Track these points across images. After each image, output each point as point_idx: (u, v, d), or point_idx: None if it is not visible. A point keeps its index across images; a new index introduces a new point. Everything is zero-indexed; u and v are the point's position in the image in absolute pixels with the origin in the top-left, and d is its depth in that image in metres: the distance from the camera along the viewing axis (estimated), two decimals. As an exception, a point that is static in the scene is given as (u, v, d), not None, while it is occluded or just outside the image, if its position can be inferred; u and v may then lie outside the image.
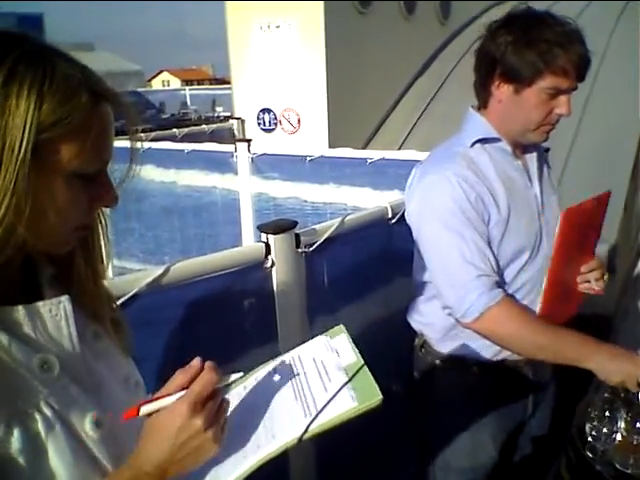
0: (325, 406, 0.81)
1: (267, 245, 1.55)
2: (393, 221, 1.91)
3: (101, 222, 0.84)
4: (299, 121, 5.99)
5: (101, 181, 0.77)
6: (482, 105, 1.61)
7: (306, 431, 0.79)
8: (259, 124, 6.19)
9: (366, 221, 1.86)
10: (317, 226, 1.70)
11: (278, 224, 1.59)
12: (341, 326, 0.98)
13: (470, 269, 1.48)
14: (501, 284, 1.54)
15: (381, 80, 6.46)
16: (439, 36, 7.86)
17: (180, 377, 0.76)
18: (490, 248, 1.52)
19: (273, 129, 6.13)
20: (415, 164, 3.14)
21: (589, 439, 1.40)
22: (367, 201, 3.26)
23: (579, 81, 1.47)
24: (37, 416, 0.71)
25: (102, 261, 0.86)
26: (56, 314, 0.76)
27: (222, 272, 1.46)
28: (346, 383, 0.84)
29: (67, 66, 0.71)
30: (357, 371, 0.86)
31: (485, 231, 1.52)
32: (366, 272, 1.88)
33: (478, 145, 1.58)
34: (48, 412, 0.72)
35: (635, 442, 1.35)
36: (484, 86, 1.57)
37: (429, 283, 1.64)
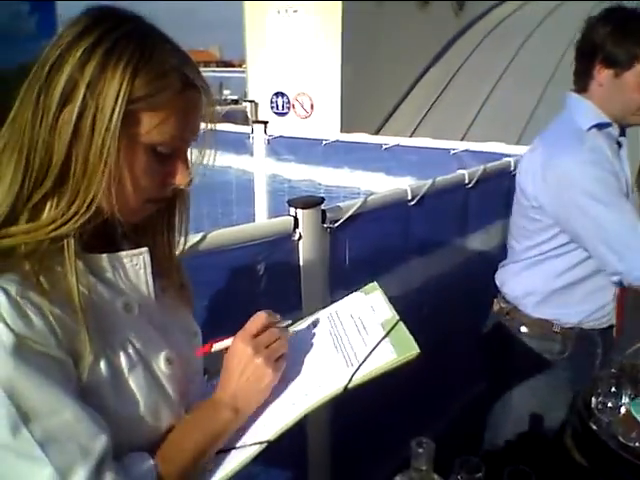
0: (367, 358, 0.87)
1: (296, 219, 1.63)
2: (412, 203, 1.99)
3: (184, 197, 0.91)
4: (312, 106, 6.05)
5: (178, 160, 0.83)
6: (582, 89, 1.75)
7: (350, 380, 0.85)
8: (272, 108, 6.25)
9: (387, 202, 1.93)
10: (342, 204, 1.78)
11: (307, 199, 1.66)
12: (375, 283, 1.05)
13: (628, 230, 1.59)
14: None
15: (395, 68, 6.51)
16: (454, 26, 7.89)
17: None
18: None
19: (286, 113, 6.20)
20: (429, 151, 3.20)
21: (595, 412, 1.48)
22: (380, 186, 3.34)
23: None
24: (120, 351, 0.79)
25: (178, 232, 0.94)
26: (136, 263, 0.84)
27: (253, 242, 1.54)
28: (384, 337, 0.90)
29: (167, 51, 0.78)
30: (393, 326, 0.92)
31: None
32: (385, 250, 1.95)
33: (594, 130, 1.70)
34: (130, 348, 0.80)
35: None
36: (586, 71, 1.72)
37: (531, 252, 1.79)
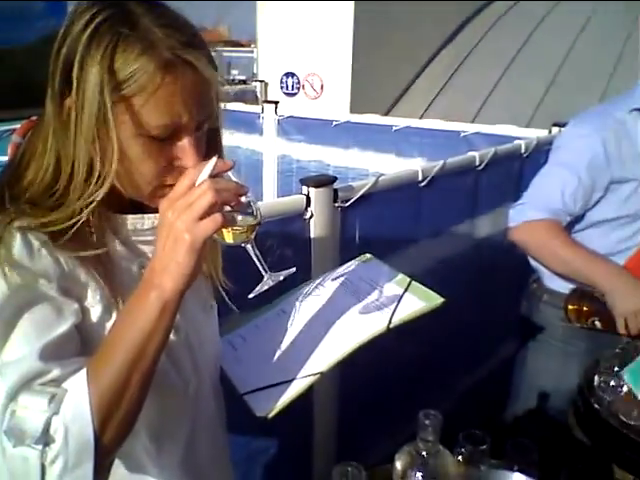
0: (398, 304, 0.95)
1: (308, 197, 1.65)
2: (423, 184, 2.00)
3: None
4: (322, 87, 6.03)
5: (181, 143, 0.78)
6: None
7: (390, 322, 0.92)
8: (282, 88, 6.23)
9: (398, 182, 1.95)
10: (353, 183, 1.80)
11: (319, 178, 1.68)
12: (367, 254, 1.12)
13: (557, 200, 1.68)
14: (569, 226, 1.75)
15: (406, 50, 6.47)
16: (467, 8, 7.82)
17: None
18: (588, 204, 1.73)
19: (296, 93, 6.18)
20: (440, 133, 3.21)
21: (597, 391, 1.51)
22: (390, 167, 3.34)
23: None
24: None
25: None
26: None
27: (265, 220, 1.57)
28: (405, 291, 0.98)
29: (149, 27, 0.74)
30: (409, 284, 1.00)
31: (593, 187, 1.71)
32: (395, 230, 1.98)
33: (635, 113, 1.74)
34: None
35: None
36: None
37: None
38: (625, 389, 1.50)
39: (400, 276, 1.02)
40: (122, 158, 0.77)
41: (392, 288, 1.00)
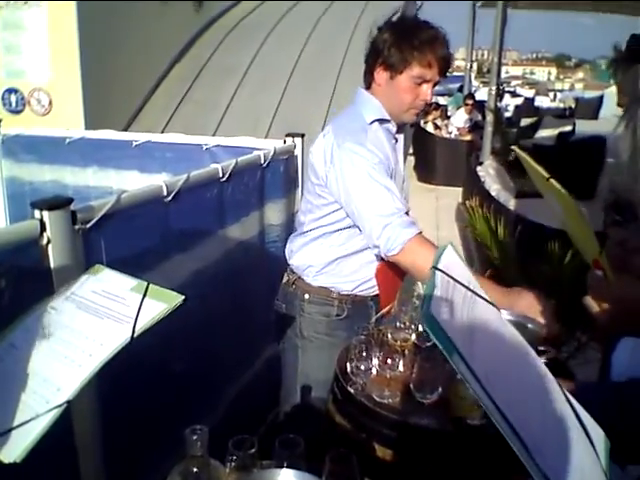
0: (139, 313, 0.94)
1: (42, 222, 1.52)
2: (169, 199, 1.97)
3: None
4: (50, 102, 5.61)
5: None
6: (367, 87, 2.01)
7: (134, 332, 0.92)
8: (5, 105, 5.66)
9: (142, 199, 1.89)
10: (93, 203, 1.70)
11: (53, 200, 1.56)
12: (97, 265, 1.12)
13: (392, 210, 1.79)
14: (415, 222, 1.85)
15: (139, 63, 6.34)
16: (195, 23, 7.93)
17: None
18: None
19: (21, 110, 5.66)
20: (182, 147, 3.20)
21: (351, 376, 1.64)
22: (135, 184, 3.23)
23: (441, 76, 1.91)
24: None
25: None
26: None
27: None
28: (144, 297, 0.97)
29: None
30: (146, 288, 0.99)
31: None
32: (145, 248, 1.91)
33: (376, 123, 1.97)
34: None
35: (388, 376, 1.62)
36: (370, 72, 1.97)
37: (312, 225, 2.04)
38: (374, 371, 1.65)
39: (136, 282, 1.02)
40: None
41: (130, 296, 0.98)
